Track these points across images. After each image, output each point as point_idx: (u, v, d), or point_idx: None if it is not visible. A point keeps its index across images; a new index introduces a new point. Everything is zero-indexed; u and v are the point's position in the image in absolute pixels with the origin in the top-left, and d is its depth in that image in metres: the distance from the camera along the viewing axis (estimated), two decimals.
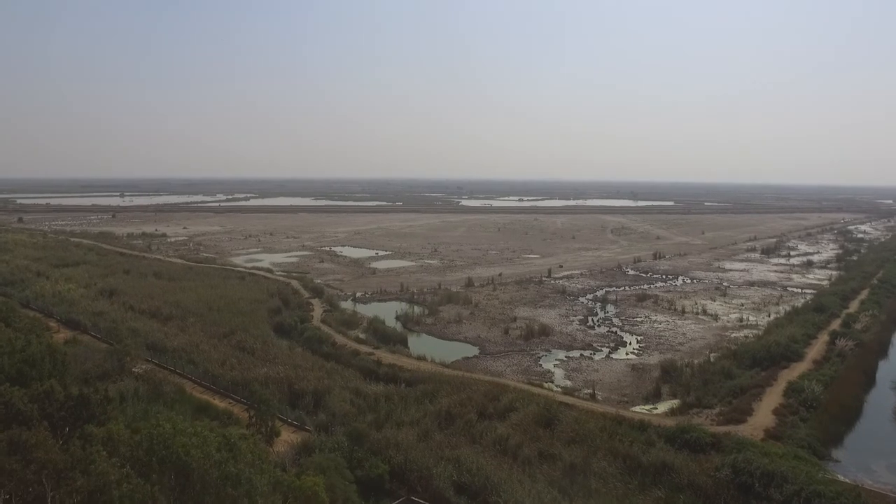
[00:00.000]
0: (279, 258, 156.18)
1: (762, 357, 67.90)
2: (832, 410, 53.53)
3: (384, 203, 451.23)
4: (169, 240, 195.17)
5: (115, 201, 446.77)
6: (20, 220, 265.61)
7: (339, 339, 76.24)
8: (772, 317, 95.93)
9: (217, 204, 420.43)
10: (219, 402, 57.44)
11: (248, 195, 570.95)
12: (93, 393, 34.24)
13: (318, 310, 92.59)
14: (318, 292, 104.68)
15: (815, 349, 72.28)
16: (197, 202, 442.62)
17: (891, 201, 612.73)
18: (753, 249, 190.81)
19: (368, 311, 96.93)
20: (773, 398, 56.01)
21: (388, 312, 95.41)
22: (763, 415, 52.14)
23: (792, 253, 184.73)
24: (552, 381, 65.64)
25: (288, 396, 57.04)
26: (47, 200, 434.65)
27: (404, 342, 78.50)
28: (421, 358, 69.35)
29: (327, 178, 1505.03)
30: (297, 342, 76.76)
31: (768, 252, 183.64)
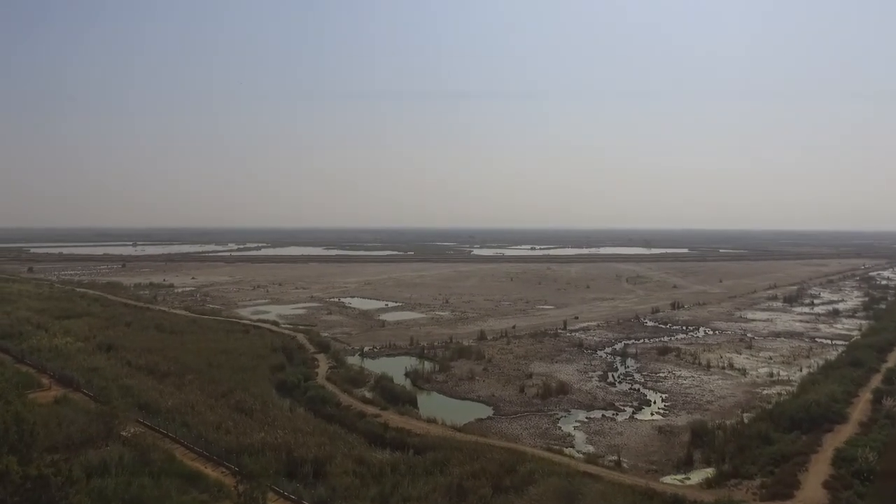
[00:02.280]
0: (286, 310, 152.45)
1: (802, 418, 62.40)
2: (892, 484, 47.93)
3: (396, 253, 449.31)
4: (176, 290, 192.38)
5: (127, 250, 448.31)
6: (30, 269, 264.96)
7: (345, 398, 71.60)
8: (804, 371, 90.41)
9: (228, 253, 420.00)
10: (211, 471, 52.66)
11: (260, 244, 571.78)
12: (53, 473, 29.99)
13: (323, 366, 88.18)
14: (324, 347, 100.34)
15: (859, 409, 66.64)
16: (208, 251, 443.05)
17: None
18: (775, 298, 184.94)
19: (377, 366, 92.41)
20: (820, 468, 50.54)
21: (397, 368, 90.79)
22: (812, 489, 46.70)
23: (815, 301, 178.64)
24: (573, 446, 60.47)
25: (286, 465, 52.17)
26: (60, 250, 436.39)
27: (413, 402, 73.55)
28: (431, 420, 64.40)
29: (340, 227, 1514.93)
30: (299, 402, 72.22)
31: (791, 300, 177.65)
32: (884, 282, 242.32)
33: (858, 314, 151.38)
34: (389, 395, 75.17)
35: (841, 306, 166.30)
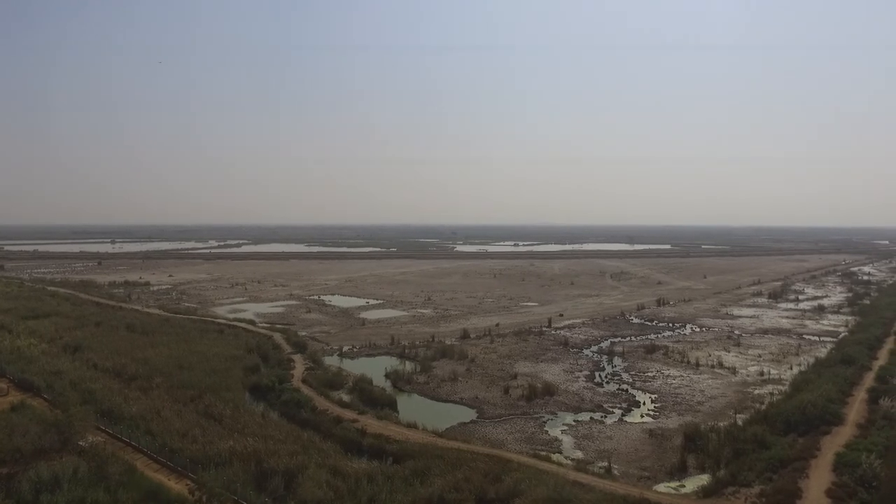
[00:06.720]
0: (264, 308, 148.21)
1: (797, 420, 60.05)
2: None
3: (378, 249, 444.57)
4: (151, 288, 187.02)
5: (105, 248, 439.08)
6: (1, 267, 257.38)
7: (321, 402, 68.03)
8: (794, 369, 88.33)
9: (208, 251, 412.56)
10: (174, 484, 48.91)
11: (241, 241, 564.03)
12: None
13: (299, 367, 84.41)
14: (301, 347, 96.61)
15: (855, 410, 64.35)
16: (188, 248, 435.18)
17: (887, 242, 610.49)
18: (759, 294, 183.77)
19: (356, 367, 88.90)
20: (821, 474, 47.96)
21: (376, 369, 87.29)
22: (815, 498, 44.01)
23: (800, 297, 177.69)
24: (561, 452, 57.48)
25: (254, 476, 48.61)
26: (35, 247, 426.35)
27: (393, 405, 70.18)
28: (411, 425, 61.10)
29: (322, 224, 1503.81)
30: (272, 406, 68.75)
31: (775, 296, 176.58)
32: (865, 277, 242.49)
33: (843, 310, 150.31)
34: (368, 397, 71.77)
35: (826, 302, 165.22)
